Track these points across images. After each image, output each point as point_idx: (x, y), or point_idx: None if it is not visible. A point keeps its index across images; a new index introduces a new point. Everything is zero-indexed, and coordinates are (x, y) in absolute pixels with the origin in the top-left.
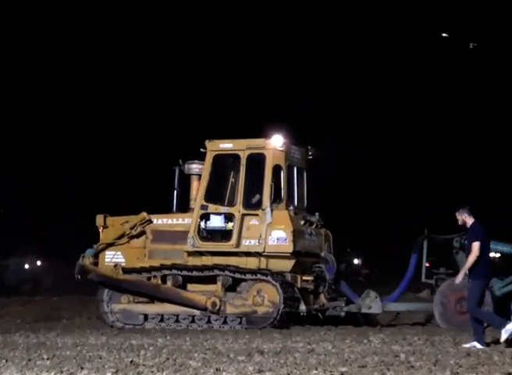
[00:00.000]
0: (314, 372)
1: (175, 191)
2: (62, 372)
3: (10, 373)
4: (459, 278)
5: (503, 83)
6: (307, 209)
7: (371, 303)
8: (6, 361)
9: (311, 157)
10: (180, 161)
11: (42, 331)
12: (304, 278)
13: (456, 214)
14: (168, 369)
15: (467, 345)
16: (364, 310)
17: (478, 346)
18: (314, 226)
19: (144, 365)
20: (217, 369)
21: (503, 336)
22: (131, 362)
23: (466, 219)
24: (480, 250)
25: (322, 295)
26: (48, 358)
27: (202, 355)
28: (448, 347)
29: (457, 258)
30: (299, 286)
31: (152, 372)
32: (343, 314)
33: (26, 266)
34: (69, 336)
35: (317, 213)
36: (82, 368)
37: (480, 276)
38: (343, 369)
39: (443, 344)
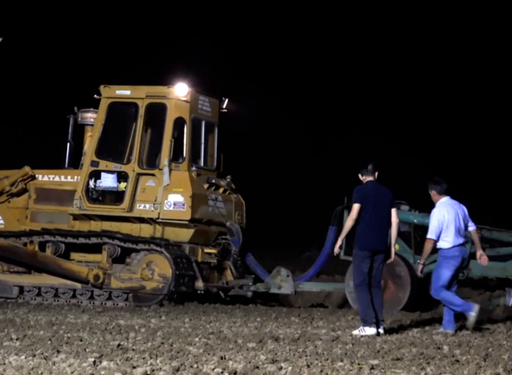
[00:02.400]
0: (339, 364)
1: (68, 144)
2: (34, 355)
3: None
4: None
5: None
6: (217, 171)
7: (282, 282)
8: None
9: (224, 110)
10: (76, 109)
11: (10, 306)
12: (207, 251)
13: None
14: (162, 356)
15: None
16: (274, 290)
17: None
18: (222, 191)
19: (133, 350)
20: (221, 358)
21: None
22: (118, 345)
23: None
24: None
25: (229, 271)
26: (17, 339)
27: (204, 339)
28: (501, 339)
29: None
30: (199, 259)
31: (143, 358)
32: (249, 294)
33: None
34: (43, 313)
35: (228, 176)
36: (58, 351)
37: None
38: (374, 362)
39: (495, 335)
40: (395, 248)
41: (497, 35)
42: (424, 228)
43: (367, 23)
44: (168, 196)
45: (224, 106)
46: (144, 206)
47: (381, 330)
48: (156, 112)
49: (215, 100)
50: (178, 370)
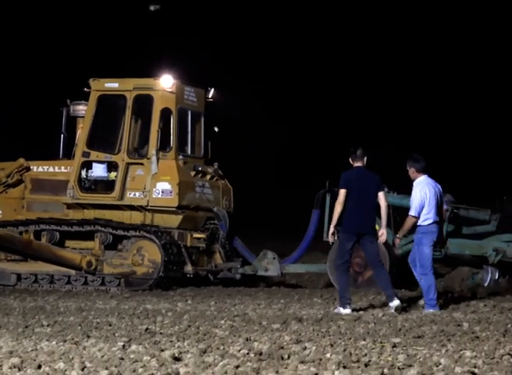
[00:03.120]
0: (362, 343)
1: (61, 136)
2: (65, 341)
3: (4, 341)
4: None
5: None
6: (204, 158)
7: (268, 265)
8: (0, 328)
9: (211, 99)
10: (68, 101)
11: (40, 294)
12: (195, 236)
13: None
14: (189, 339)
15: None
16: (261, 272)
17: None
18: (209, 178)
19: (161, 333)
20: (247, 339)
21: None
22: (146, 329)
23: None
24: None
25: (218, 255)
26: (48, 325)
27: (229, 322)
28: None
29: None
30: (188, 244)
31: (171, 341)
32: (238, 276)
33: None
34: (73, 299)
35: (216, 163)
36: (88, 336)
37: None
38: (396, 340)
39: None
40: (378, 229)
41: (497, 40)
42: (403, 209)
43: (367, 24)
44: (157, 184)
45: (210, 96)
46: (134, 194)
47: (396, 302)
48: (143, 104)
49: (200, 90)
50: (205, 352)
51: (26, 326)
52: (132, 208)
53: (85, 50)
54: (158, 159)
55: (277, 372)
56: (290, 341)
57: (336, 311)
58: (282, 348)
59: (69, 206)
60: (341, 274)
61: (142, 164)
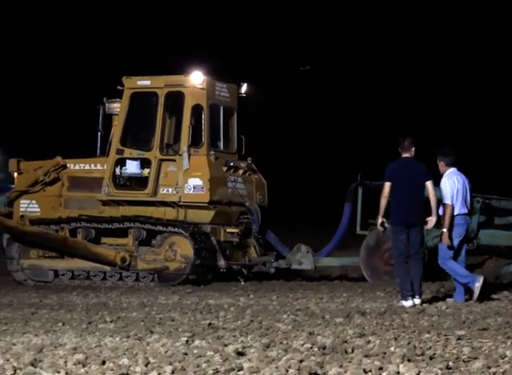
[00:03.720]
0: (426, 335)
1: (98, 133)
2: (128, 336)
3: (68, 337)
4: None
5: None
6: (238, 153)
7: (302, 258)
8: (63, 324)
9: (243, 95)
10: (104, 99)
11: (103, 290)
12: (229, 230)
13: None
14: (252, 333)
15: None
16: (295, 266)
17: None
18: (242, 173)
19: (224, 328)
20: (310, 333)
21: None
22: (209, 324)
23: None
24: None
25: (252, 249)
26: (111, 321)
27: (292, 316)
28: None
29: None
30: (222, 239)
31: (234, 336)
32: (272, 270)
33: None
34: (135, 295)
35: (249, 158)
36: (151, 332)
37: None
38: (461, 333)
39: None
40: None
41: (497, 43)
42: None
43: (368, 24)
44: (188, 180)
45: (243, 91)
46: (167, 190)
47: (417, 301)
48: (175, 100)
49: (233, 85)
50: (268, 347)
51: (90, 323)
52: (165, 204)
53: (119, 49)
54: (189, 155)
55: (341, 366)
56: (354, 335)
57: (398, 304)
58: (345, 341)
59: (104, 203)
60: (398, 267)
61: (174, 160)
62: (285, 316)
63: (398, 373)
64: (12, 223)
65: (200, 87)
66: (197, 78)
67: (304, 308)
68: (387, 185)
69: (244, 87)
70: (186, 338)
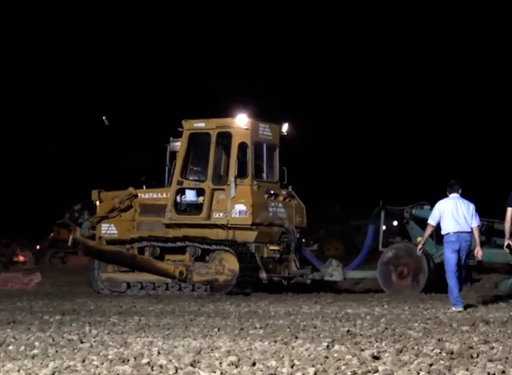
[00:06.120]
0: None
1: (166, 168)
2: (275, 341)
3: (223, 341)
4: None
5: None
6: (280, 183)
7: (333, 271)
8: (218, 329)
9: (285, 133)
10: (171, 138)
11: (253, 300)
12: (271, 248)
13: None
14: (386, 340)
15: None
16: (327, 277)
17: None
18: (282, 199)
19: (361, 335)
20: (439, 340)
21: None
22: (347, 331)
23: None
24: None
25: (292, 263)
26: (260, 327)
27: (423, 324)
28: None
29: (408, 228)
30: (265, 255)
31: (370, 342)
32: (308, 281)
33: None
34: (282, 304)
35: (290, 186)
36: (296, 337)
37: None
38: None
39: None
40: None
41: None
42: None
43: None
44: (235, 206)
45: (284, 130)
46: (219, 215)
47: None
48: (224, 139)
49: (275, 125)
50: (401, 352)
51: (242, 329)
52: (217, 226)
53: (175, 94)
54: (235, 185)
55: (467, 369)
56: (479, 342)
57: None
58: (471, 347)
59: (168, 226)
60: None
61: (224, 189)
62: (416, 324)
63: None
64: (92, 243)
65: (245, 127)
66: (241, 120)
67: (433, 317)
68: (509, 210)
69: (285, 127)
70: (327, 343)
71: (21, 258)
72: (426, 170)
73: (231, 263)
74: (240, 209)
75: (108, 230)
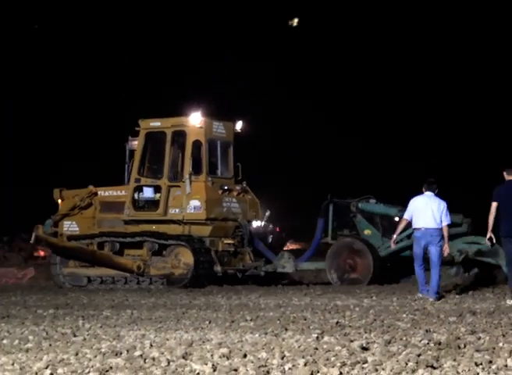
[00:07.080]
0: None
1: (126, 166)
2: (266, 333)
3: (214, 334)
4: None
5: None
6: (234, 179)
7: (285, 263)
8: (210, 322)
9: (239, 131)
10: (129, 137)
11: (244, 292)
12: (226, 241)
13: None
14: (375, 331)
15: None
16: (279, 269)
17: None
18: (236, 195)
19: (350, 326)
20: (427, 331)
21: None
22: (337, 323)
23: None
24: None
25: (247, 256)
26: (251, 320)
27: (411, 315)
28: None
29: (355, 221)
30: (220, 249)
31: (359, 333)
32: (262, 273)
33: None
34: (272, 297)
35: (244, 182)
36: (286, 329)
37: None
38: None
39: None
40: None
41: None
42: (389, 217)
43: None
44: (190, 202)
45: (238, 128)
46: (175, 211)
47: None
48: (179, 137)
49: (229, 123)
50: (389, 343)
51: (233, 321)
52: (173, 222)
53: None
54: (190, 182)
55: (454, 359)
56: (466, 332)
57: (508, 304)
58: (458, 338)
59: (127, 222)
60: (510, 272)
61: (179, 186)
62: (404, 316)
63: (506, 366)
64: (54, 240)
65: (199, 126)
66: (195, 119)
67: (421, 308)
68: (493, 205)
69: (239, 124)
70: (316, 335)
71: (41, 253)
72: (426, 170)
73: (186, 257)
74: (194, 205)
75: (69, 227)
